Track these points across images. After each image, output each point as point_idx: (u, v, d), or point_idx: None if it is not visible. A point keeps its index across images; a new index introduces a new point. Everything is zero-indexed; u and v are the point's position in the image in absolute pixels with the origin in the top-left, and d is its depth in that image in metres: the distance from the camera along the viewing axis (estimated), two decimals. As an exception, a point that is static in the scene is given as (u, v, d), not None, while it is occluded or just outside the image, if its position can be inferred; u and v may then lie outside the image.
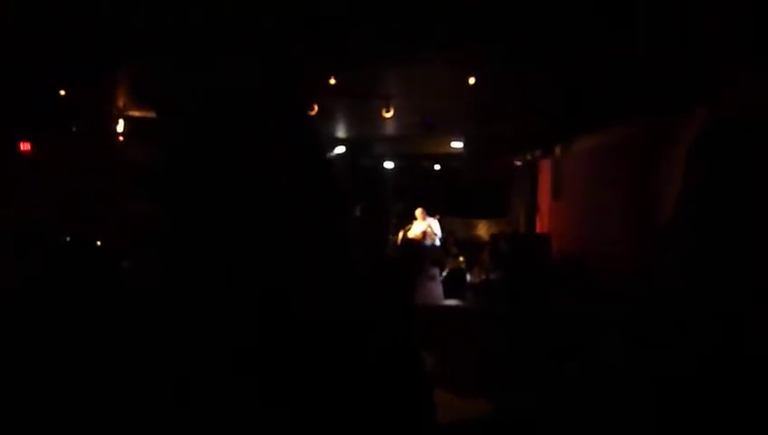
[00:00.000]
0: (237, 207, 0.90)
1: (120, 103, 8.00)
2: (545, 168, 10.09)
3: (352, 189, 10.90)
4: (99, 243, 4.72)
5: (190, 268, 0.90)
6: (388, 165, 12.84)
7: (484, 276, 9.43)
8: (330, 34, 4.79)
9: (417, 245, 9.42)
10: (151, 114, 7.97)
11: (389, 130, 9.71)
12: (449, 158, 11.83)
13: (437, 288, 8.80)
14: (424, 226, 9.58)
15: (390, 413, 0.99)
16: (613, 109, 6.36)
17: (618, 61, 5.05)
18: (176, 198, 0.90)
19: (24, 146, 8.08)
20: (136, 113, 8.34)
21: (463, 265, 10.04)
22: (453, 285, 9.11)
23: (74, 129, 8.10)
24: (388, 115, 7.48)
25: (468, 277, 9.81)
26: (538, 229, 10.24)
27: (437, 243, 9.69)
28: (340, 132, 10.70)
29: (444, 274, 9.36)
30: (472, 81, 5.95)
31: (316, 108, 6.67)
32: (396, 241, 10.09)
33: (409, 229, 9.71)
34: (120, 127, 8.42)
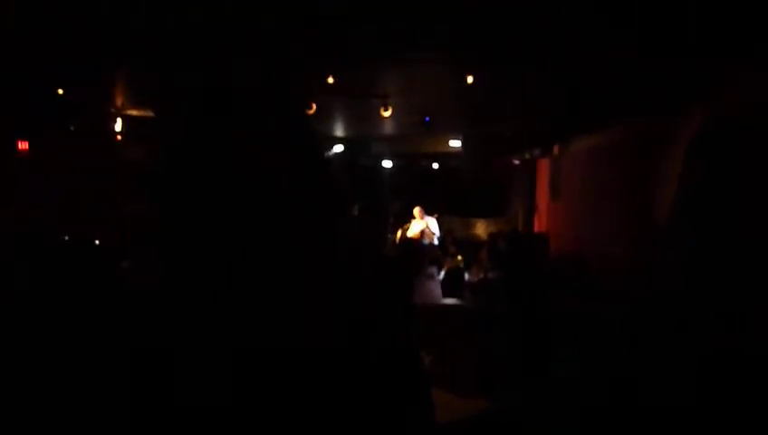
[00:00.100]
0: (237, 207, 0.90)
1: (119, 102, 7.99)
2: (543, 167, 10.09)
3: (351, 188, 10.89)
4: (97, 242, 4.72)
5: (190, 268, 0.89)
6: (387, 164, 12.84)
7: (482, 275, 9.44)
8: (328, 34, 4.79)
9: (416, 244, 9.43)
10: (149, 113, 7.97)
11: (388, 129, 9.71)
12: (448, 157, 11.83)
13: (436, 287, 8.80)
14: (422, 225, 9.58)
15: (389, 413, 0.99)
16: (611, 108, 6.37)
17: (616, 61, 5.06)
18: (175, 198, 0.90)
19: (23, 145, 8.07)
20: (134, 112, 8.33)
21: (461, 265, 10.04)
22: (451, 285, 9.10)
23: (72, 128, 8.09)
24: (387, 114, 7.48)
25: (467, 276, 9.82)
26: (536, 229, 10.25)
27: (435, 242, 9.69)
28: (339, 131, 10.70)
29: (442, 273, 9.36)
30: (470, 80, 5.95)
31: (314, 107, 6.67)
32: (394, 240, 10.09)
33: (408, 228, 9.71)
34: (119, 126, 8.41)
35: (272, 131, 0.93)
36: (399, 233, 9.86)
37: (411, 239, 9.53)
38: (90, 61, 5.70)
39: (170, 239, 0.89)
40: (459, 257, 10.23)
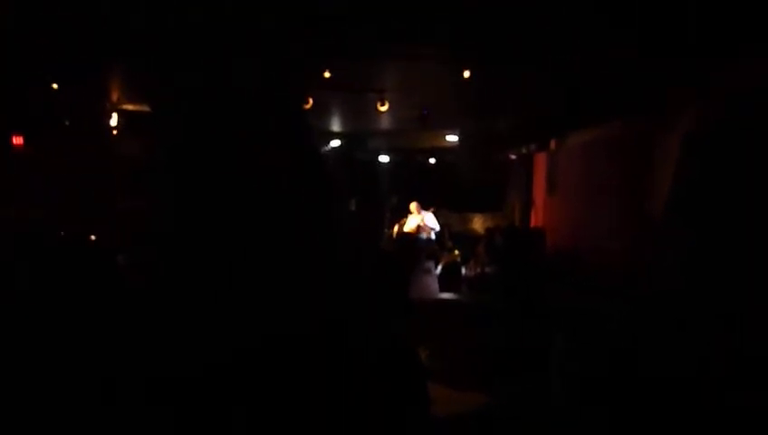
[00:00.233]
0: (237, 206, 0.90)
1: (114, 97, 7.95)
2: (540, 162, 10.10)
3: (347, 184, 10.88)
4: (93, 238, 4.70)
5: (190, 266, 0.90)
6: (384, 159, 12.83)
7: (479, 270, 9.46)
8: (326, 31, 4.78)
9: (413, 239, 9.44)
10: (145, 108, 7.94)
11: (385, 123, 9.69)
12: (445, 152, 11.83)
13: (433, 282, 8.83)
14: (419, 219, 9.58)
15: (387, 407, 0.99)
16: (608, 104, 6.37)
17: (613, 57, 5.06)
18: (175, 197, 0.90)
19: (17, 140, 8.03)
20: (129, 107, 8.30)
21: (458, 259, 10.06)
22: (448, 279, 9.14)
23: (67, 123, 8.05)
24: (384, 109, 7.47)
25: (463, 271, 9.84)
26: (533, 223, 10.27)
27: (433, 236, 9.69)
28: (336, 126, 10.68)
29: (439, 267, 9.38)
30: (467, 74, 5.95)
31: (311, 101, 6.66)
32: (391, 235, 10.09)
33: (404, 223, 9.71)
34: (114, 121, 8.37)
35: (272, 131, 0.94)
36: (396, 228, 9.86)
37: (408, 234, 9.54)
38: (85, 57, 5.68)
39: (171, 237, 0.88)
40: (456, 252, 10.24)
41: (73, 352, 0.92)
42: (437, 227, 9.77)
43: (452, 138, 10.63)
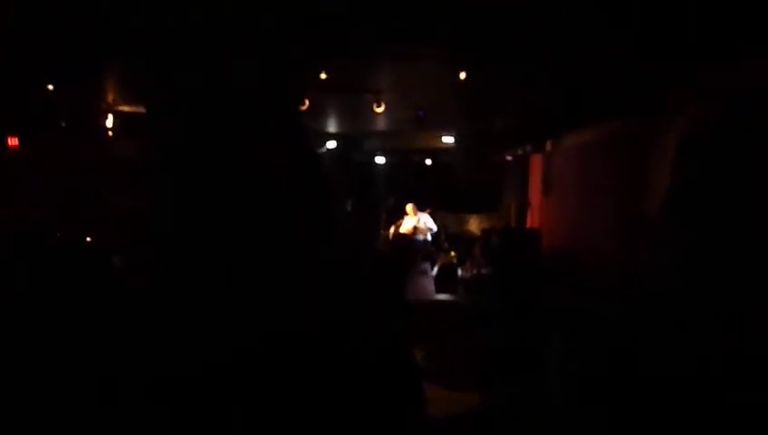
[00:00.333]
0: (237, 206, 0.90)
1: (110, 98, 7.93)
2: (536, 163, 10.11)
3: (344, 185, 10.88)
4: (88, 239, 4.69)
5: (191, 267, 0.90)
6: (380, 160, 12.83)
7: (475, 271, 9.47)
8: (324, 31, 4.78)
9: (409, 240, 9.44)
10: (141, 109, 7.92)
11: (381, 124, 9.69)
12: (441, 153, 11.83)
13: (429, 283, 8.84)
14: (415, 220, 9.58)
15: (383, 407, 0.99)
16: (604, 105, 6.39)
17: (610, 58, 5.07)
18: (176, 197, 0.90)
19: (12, 141, 8.00)
20: (125, 108, 8.28)
21: (454, 260, 10.07)
22: (444, 280, 9.15)
23: (63, 124, 8.03)
24: (380, 110, 7.47)
25: (460, 272, 9.85)
26: (528, 224, 10.28)
27: (429, 237, 9.70)
28: (332, 127, 10.67)
29: (435, 269, 9.39)
30: (463, 75, 5.95)
31: (307, 102, 6.65)
32: (387, 236, 10.10)
33: (401, 224, 9.72)
34: (110, 122, 8.35)
35: (272, 131, 0.94)
36: (392, 229, 9.86)
37: (404, 235, 9.54)
38: (82, 57, 5.67)
39: (171, 237, 0.88)
40: (452, 253, 10.25)
41: (72, 353, 0.92)
42: (435, 228, 9.78)
43: (448, 139, 10.63)
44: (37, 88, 6.72)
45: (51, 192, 7.71)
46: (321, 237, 0.98)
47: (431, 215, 9.88)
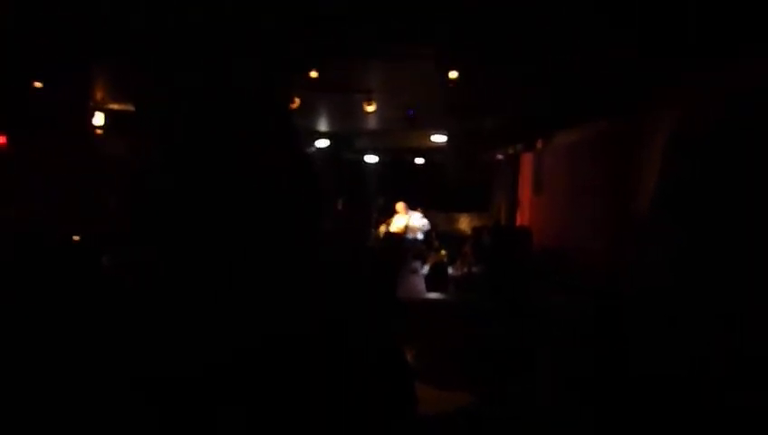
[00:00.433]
0: (237, 206, 0.90)
1: (98, 96, 7.87)
2: (527, 162, 10.15)
3: (334, 183, 10.87)
4: (76, 238, 4.65)
5: (190, 267, 0.89)
6: (371, 159, 12.83)
7: (466, 270, 9.49)
8: (315, 31, 4.77)
9: (399, 239, 9.45)
10: (130, 107, 7.85)
11: (372, 123, 9.69)
12: (432, 152, 11.85)
13: (420, 282, 8.85)
14: (406, 219, 9.59)
15: (374, 406, 1.00)
16: (594, 104, 6.42)
17: (601, 58, 5.10)
18: (176, 197, 0.90)
19: (0, 139, 7.92)
20: (114, 106, 8.22)
21: (445, 259, 10.09)
22: (435, 279, 9.16)
23: (51, 122, 7.95)
24: (371, 109, 7.47)
25: (450, 271, 9.87)
26: (519, 223, 10.32)
27: (420, 236, 9.71)
28: (323, 126, 10.66)
29: (426, 268, 9.40)
30: (454, 75, 5.96)
31: (298, 101, 6.64)
32: (378, 235, 10.10)
33: (391, 223, 9.72)
34: (99, 120, 8.29)
35: (272, 131, 0.94)
36: (383, 228, 9.86)
37: (395, 234, 9.54)
38: (70, 55, 5.62)
39: (169, 237, 0.88)
40: (443, 252, 10.27)
41: (59, 354, 0.91)
42: (428, 226, 9.79)
43: (439, 138, 10.65)
44: (25, 86, 6.66)
45: (39, 191, 7.64)
46: (311, 237, 0.98)
47: (422, 214, 9.89)
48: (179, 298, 0.88)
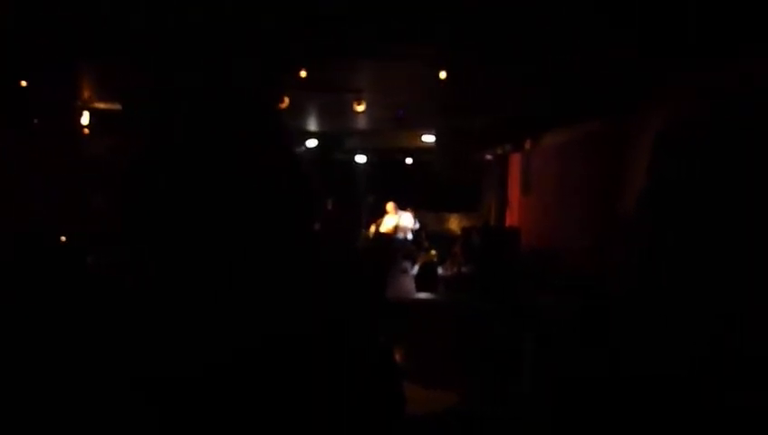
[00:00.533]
0: (237, 206, 0.90)
1: (85, 95, 7.81)
2: (515, 162, 10.19)
3: (324, 183, 10.85)
4: (63, 238, 4.61)
5: (190, 267, 0.89)
6: (360, 159, 12.82)
7: (455, 270, 9.51)
8: (306, 31, 4.76)
9: (389, 239, 9.45)
10: (116, 106, 7.79)
11: (362, 123, 9.69)
12: (421, 152, 11.86)
13: (410, 282, 8.86)
14: (396, 219, 9.60)
15: (362, 407, 1.00)
16: (583, 104, 6.46)
17: (589, 59, 5.13)
18: (173, 198, 0.89)
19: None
20: (100, 106, 8.15)
21: (435, 259, 10.10)
22: (425, 279, 9.17)
23: (36, 121, 7.88)
24: (360, 109, 7.46)
25: (440, 271, 9.88)
26: (508, 223, 10.36)
27: (410, 236, 9.72)
28: (312, 126, 10.64)
29: (416, 268, 9.41)
30: (443, 75, 5.97)
31: (287, 101, 6.62)
32: (367, 235, 10.09)
33: (381, 223, 9.72)
34: (85, 120, 8.22)
35: (271, 131, 0.94)
36: (373, 228, 9.86)
37: (385, 234, 9.54)
38: (56, 54, 5.58)
39: (160, 238, 0.88)
40: (433, 252, 10.29)
41: (56, 357, 0.91)
42: (418, 226, 9.79)
43: (429, 138, 10.67)
44: (10, 84, 6.59)
45: (26, 190, 7.56)
46: (302, 237, 0.99)
47: (413, 214, 9.90)
48: (171, 298, 0.88)
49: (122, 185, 0.91)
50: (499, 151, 10.57)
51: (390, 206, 9.71)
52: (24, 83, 6.56)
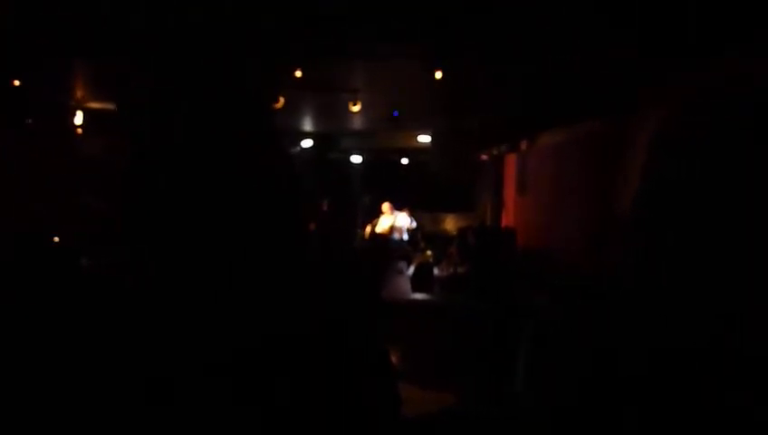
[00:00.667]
0: (237, 207, 0.89)
1: (78, 95, 7.77)
2: (511, 162, 10.20)
3: (320, 184, 10.84)
4: (56, 239, 4.59)
5: (190, 267, 0.88)
6: (356, 159, 12.82)
7: (451, 270, 9.50)
8: (301, 31, 4.75)
9: (385, 239, 9.45)
10: (110, 106, 7.75)
11: (357, 123, 9.68)
12: (417, 152, 11.87)
13: (405, 283, 8.85)
14: (391, 220, 9.59)
15: (357, 408, 0.99)
16: (579, 105, 6.46)
17: (585, 59, 5.13)
18: (174, 198, 0.88)
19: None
20: (95, 105, 8.11)
21: (431, 260, 10.10)
22: (421, 280, 9.16)
23: (29, 121, 7.84)
24: (356, 109, 7.45)
25: (436, 271, 9.87)
26: (503, 223, 10.37)
27: (405, 237, 9.72)
28: (308, 126, 10.63)
29: (411, 268, 9.40)
30: (439, 75, 5.97)
31: (282, 101, 6.60)
32: (363, 235, 10.09)
33: (377, 224, 9.71)
34: (79, 119, 8.18)
35: (270, 132, 0.93)
36: (368, 228, 9.85)
37: (380, 235, 9.54)
38: (50, 53, 5.55)
39: (160, 238, 0.87)
40: (428, 253, 10.28)
41: (54, 356, 0.89)
42: (414, 224, 9.79)
43: (424, 138, 10.67)
44: (3, 84, 6.55)
45: (21, 190, 7.52)
46: (300, 237, 0.98)
47: (409, 214, 9.89)
48: (168, 298, 0.87)
49: (122, 185, 0.90)
50: (495, 152, 10.58)
51: (386, 206, 9.71)
52: (17, 83, 6.52)
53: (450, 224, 12.20)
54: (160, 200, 0.90)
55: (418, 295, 8.75)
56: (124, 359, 0.87)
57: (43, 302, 1.03)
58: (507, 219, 10.27)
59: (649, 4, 3.78)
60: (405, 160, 12.83)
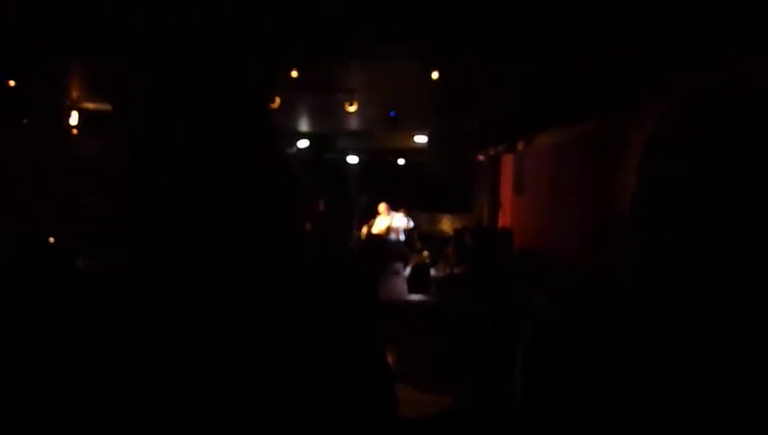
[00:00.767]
0: (237, 207, 0.89)
1: (74, 95, 7.74)
2: (508, 163, 10.22)
3: (316, 184, 10.83)
4: (52, 239, 4.57)
5: (190, 267, 0.88)
6: (353, 159, 12.82)
7: (448, 271, 9.50)
8: (298, 31, 4.75)
9: (381, 240, 9.44)
10: (107, 106, 7.73)
11: (354, 124, 9.68)
12: (414, 152, 11.87)
13: (402, 284, 8.84)
14: (388, 220, 9.59)
15: (354, 409, 0.99)
16: (576, 105, 6.47)
17: (583, 59, 5.14)
18: (174, 198, 0.88)
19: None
20: (94, 105, 8.09)
21: (427, 260, 10.10)
22: (417, 281, 9.16)
23: (26, 121, 7.81)
24: (352, 109, 7.45)
25: (432, 272, 9.88)
26: (500, 224, 10.38)
27: (402, 237, 9.72)
28: (304, 126, 10.62)
29: (408, 269, 9.40)
30: (435, 75, 5.97)
31: (278, 101, 6.59)
32: (360, 236, 10.08)
33: (373, 224, 9.71)
34: (74, 120, 8.15)
35: (269, 132, 0.93)
36: (365, 229, 9.84)
37: (377, 235, 9.53)
38: (46, 54, 5.53)
39: (166, 238, 0.87)
40: (425, 253, 10.28)
41: (51, 358, 0.89)
42: (411, 224, 9.79)
43: (421, 138, 10.67)
44: (3, 84, 6.53)
45: (20, 191, 7.49)
46: (299, 237, 0.98)
47: (405, 214, 9.89)
48: (168, 298, 0.87)
49: (122, 185, 0.90)
50: (492, 152, 10.59)
51: (383, 207, 9.70)
52: (13, 83, 6.50)
53: (447, 224, 12.20)
54: (160, 200, 0.90)
55: (415, 296, 8.75)
56: (124, 359, 0.87)
57: (43, 302, 1.03)
58: (504, 220, 10.28)
59: (649, 5, 3.78)
60: (401, 161, 12.84)
